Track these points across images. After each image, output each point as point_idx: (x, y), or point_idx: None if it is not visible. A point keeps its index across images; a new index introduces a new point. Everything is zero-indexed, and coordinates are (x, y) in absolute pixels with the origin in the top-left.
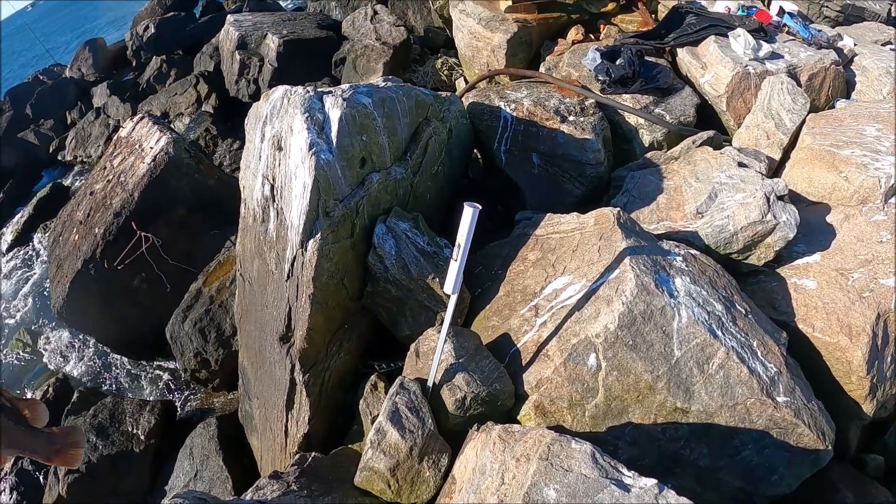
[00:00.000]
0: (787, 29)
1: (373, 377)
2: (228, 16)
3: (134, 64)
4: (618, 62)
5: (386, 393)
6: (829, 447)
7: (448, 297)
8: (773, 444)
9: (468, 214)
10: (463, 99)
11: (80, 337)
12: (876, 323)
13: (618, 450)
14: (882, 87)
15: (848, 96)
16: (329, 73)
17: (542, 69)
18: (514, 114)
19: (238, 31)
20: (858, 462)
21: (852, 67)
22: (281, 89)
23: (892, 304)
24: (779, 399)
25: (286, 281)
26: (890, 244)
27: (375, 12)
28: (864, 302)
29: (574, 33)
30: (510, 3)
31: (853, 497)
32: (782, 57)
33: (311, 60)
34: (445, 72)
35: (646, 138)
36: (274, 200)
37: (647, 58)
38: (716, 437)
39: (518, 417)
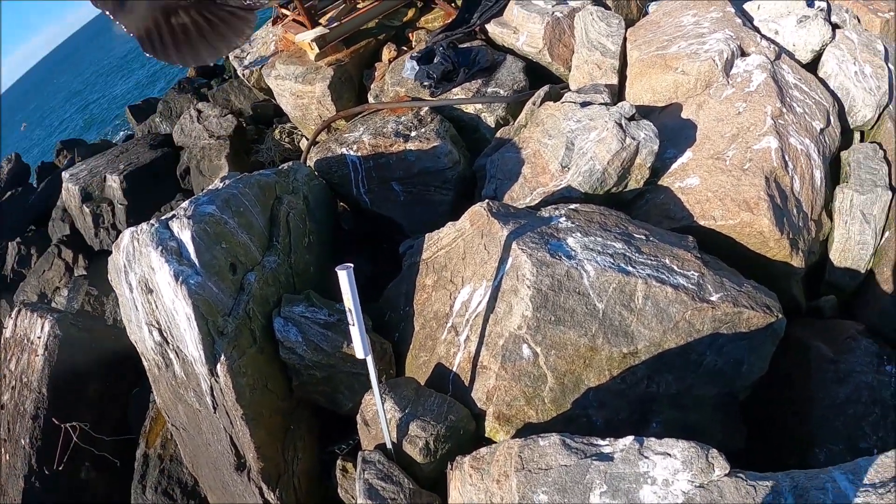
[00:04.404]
0: None
1: (339, 462)
2: (63, 173)
3: None
4: (435, 62)
5: None
6: (779, 315)
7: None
8: (727, 340)
9: (344, 277)
10: (309, 159)
11: None
12: (767, 186)
13: (591, 418)
14: None
15: None
16: (179, 188)
17: (370, 99)
18: (359, 154)
19: (77, 185)
20: (815, 310)
21: None
22: (127, 234)
23: (774, 161)
24: (713, 298)
25: (214, 413)
26: (749, 112)
27: (199, 111)
28: (748, 173)
29: (387, 53)
30: (317, 51)
31: (825, 342)
32: None
33: (157, 183)
34: (286, 139)
35: (490, 120)
36: (168, 343)
37: (461, 46)
38: (673, 361)
39: (486, 435)
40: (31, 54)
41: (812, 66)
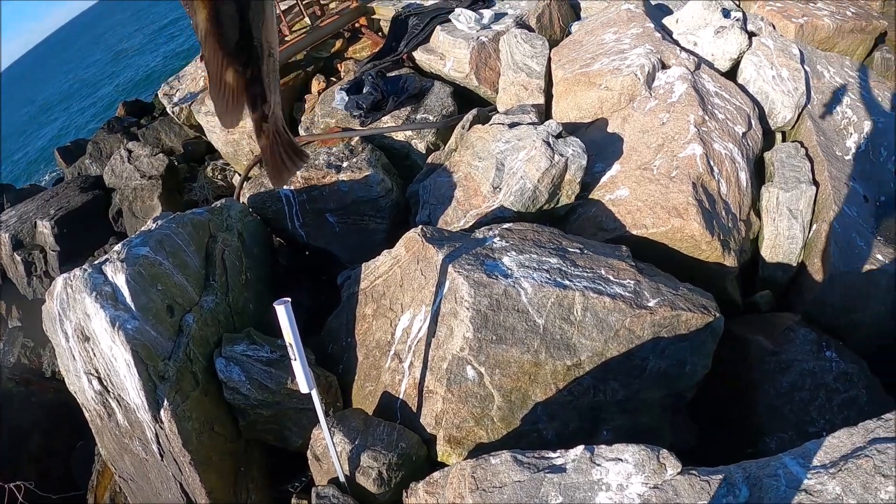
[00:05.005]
0: None
1: (293, 500)
2: None
3: None
4: (364, 91)
5: None
6: (717, 314)
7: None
8: (668, 343)
9: (282, 312)
10: (242, 195)
11: None
12: (695, 191)
13: (542, 432)
14: None
15: (580, 17)
16: (112, 230)
17: (301, 132)
18: (292, 187)
19: (7, 233)
20: (752, 306)
21: None
22: (60, 281)
23: (700, 167)
24: (650, 304)
25: (162, 461)
26: (672, 122)
27: (130, 151)
28: (675, 181)
29: (316, 84)
30: None
31: (765, 336)
32: (506, 13)
33: (90, 227)
34: (219, 176)
35: (420, 146)
36: (108, 391)
37: (389, 75)
38: (617, 368)
39: (439, 459)
40: None
41: (731, 73)
